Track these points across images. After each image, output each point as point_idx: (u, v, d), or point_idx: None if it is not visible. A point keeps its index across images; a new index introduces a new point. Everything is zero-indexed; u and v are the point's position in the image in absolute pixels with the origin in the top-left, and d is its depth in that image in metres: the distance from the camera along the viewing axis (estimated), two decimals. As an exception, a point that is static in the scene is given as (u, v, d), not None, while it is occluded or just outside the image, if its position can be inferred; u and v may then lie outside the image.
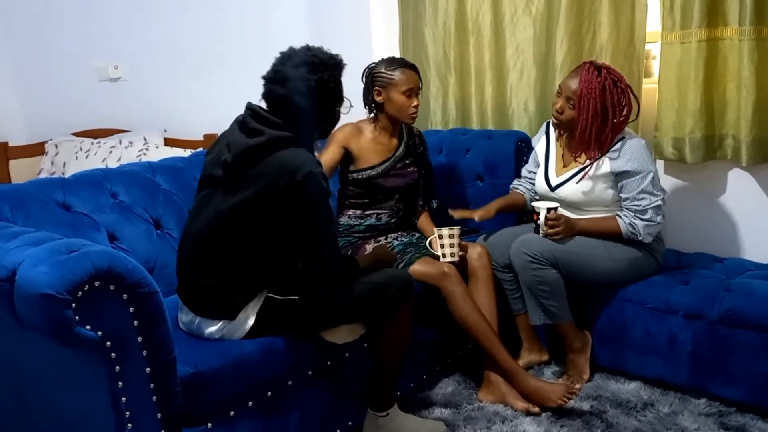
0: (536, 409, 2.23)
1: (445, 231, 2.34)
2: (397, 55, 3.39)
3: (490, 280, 2.43)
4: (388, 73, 2.45)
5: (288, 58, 1.90)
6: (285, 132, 1.84)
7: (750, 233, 2.67)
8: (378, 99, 2.48)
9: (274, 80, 1.89)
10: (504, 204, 2.61)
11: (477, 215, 2.51)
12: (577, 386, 2.25)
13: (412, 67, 2.49)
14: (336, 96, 1.95)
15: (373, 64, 2.53)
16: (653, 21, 2.70)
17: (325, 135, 2.09)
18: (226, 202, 1.86)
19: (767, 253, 2.60)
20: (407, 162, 2.56)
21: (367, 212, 2.51)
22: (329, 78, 1.90)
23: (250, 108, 1.92)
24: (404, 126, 2.59)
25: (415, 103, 2.46)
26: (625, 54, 2.74)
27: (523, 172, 2.74)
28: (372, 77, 2.49)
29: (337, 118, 2.02)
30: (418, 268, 2.34)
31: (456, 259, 2.35)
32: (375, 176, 2.49)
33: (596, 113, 2.32)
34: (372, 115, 2.54)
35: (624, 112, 2.35)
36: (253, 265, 1.88)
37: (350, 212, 2.52)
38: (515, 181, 2.76)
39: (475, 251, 2.44)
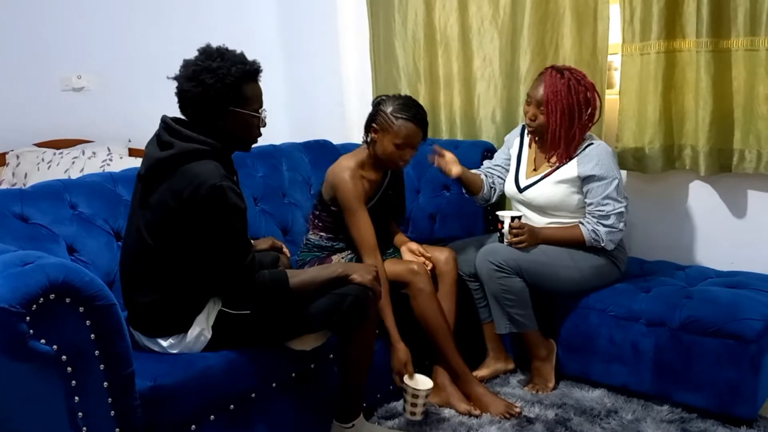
0: (477, 412, 2.28)
1: (411, 392, 2.19)
2: (369, 66, 3.41)
3: (455, 285, 2.45)
4: (391, 118, 2.27)
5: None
6: (196, 144, 1.81)
7: (710, 242, 2.72)
8: (373, 135, 2.33)
9: (176, 77, 1.86)
10: (470, 173, 2.60)
11: (454, 169, 2.50)
12: (517, 408, 2.29)
13: (421, 122, 2.29)
14: (233, 92, 1.82)
15: (385, 98, 2.34)
16: (615, 33, 2.75)
17: (244, 145, 1.94)
18: (143, 218, 1.84)
19: (727, 260, 2.66)
20: (390, 193, 2.49)
21: (339, 236, 2.43)
22: (218, 69, 1.79)
23: (163, 120, 1.88)
24: None
25: (407, 156, 2.32)
26: (588, 65, 2.78)
27: (486, 163, 2.74)
28: (376, 111, 2.33)
29: (246, 120, 1.87)
30: (386, 268, 2.32)
31: (418, 418, 2.22)
32: None
33: (563, 114, 2.36)
34: (366, 143, 2.39)
35: (590, 110, 2.39)
36: (186, 279, 1.86)
37: (321, 233, 2.45)
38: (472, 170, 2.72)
39: (442, 255, 2.46)
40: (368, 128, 2.36)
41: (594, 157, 2.38)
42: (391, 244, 2.55)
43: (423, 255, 2.43)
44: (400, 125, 2.26)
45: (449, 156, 2.53)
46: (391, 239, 2.55)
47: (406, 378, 2.21)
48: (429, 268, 2.40)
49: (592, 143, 2.42)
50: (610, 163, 2.39)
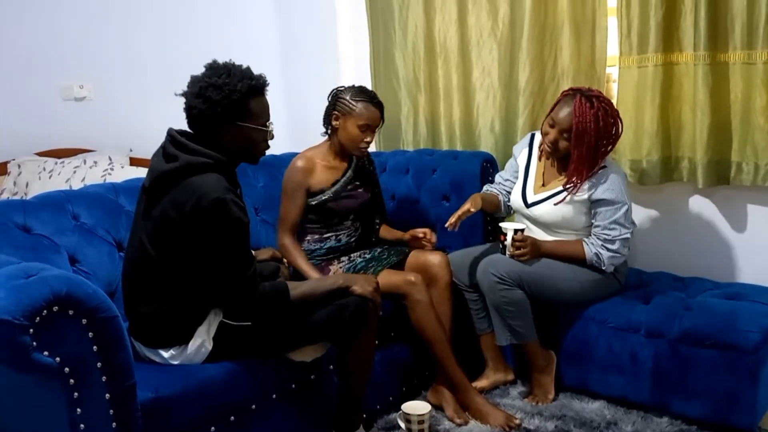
0: (459, 420, 2.30)
1: (417, 419, 2.21)
2: (369, 77, 3.43)
3: (449, 289, 2.46)
4: (351, 102, 2.42)
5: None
6: (200, 157, 1.82)
7: (708, 253, 2.72)
8: (334, 123, 2.46)
9: (184, 93, 1.88)
10: (485, 197, 2.56)
11: (470, 208, 2.42)
12: (517, 420, 2.29)
13: (378, 105, 2.46)
14: (240, 108, 1.85)
15: (342, 88, 2.49)
16: (613, 45, 2.76)
17: (251, 158, 1.97)
18: (146, 229, 1.85)
19: (726, 272, 2.67)
20: (357, 184, 2.55)
21: (325, 236, 2.49)
22: (224, 85, 1.82)
23: (169, 134, 1.90)
24: None
25: (369, 138, 2.45)
26: (586, 76, 2.79)
27: (498, 178, 2.72)
28: (335, 100, 2.47)
29: (252, 135, 1.90)
30: (383, 278, 2.33)
31: None
32: (327, 200, 2.46)
33: (590, 146, 2.32)
34: (327, 135, 2.53)
35: (612, 139, 2.37)
36: (188, 291, 1.86)
37: (308, 237, 2.49)
38: (486, 186, 2.74)
39: (436, 259, 2.47)
40: (328, 117, 2.48)
41: (607, 181, 2.36)
42: (380, 243, 2.60)
43: (426, 234, 2.50)
44: (362, 108, 2.42)
45: (461, 210, 2.43)
46: (377, 239, 2.63)
47: (405, 407, 2.23)
48: (434, 241, 2.50)
49: (605, 166, 2.39)
50: (622, 188, 2.37)
